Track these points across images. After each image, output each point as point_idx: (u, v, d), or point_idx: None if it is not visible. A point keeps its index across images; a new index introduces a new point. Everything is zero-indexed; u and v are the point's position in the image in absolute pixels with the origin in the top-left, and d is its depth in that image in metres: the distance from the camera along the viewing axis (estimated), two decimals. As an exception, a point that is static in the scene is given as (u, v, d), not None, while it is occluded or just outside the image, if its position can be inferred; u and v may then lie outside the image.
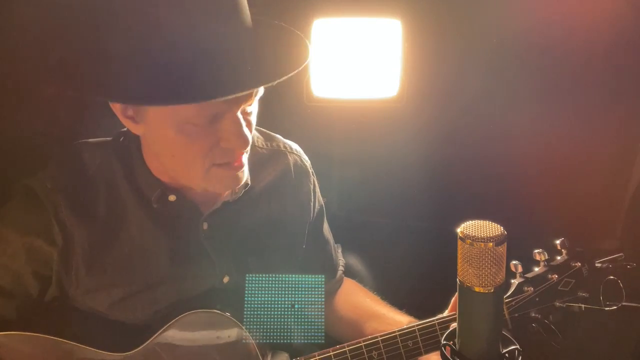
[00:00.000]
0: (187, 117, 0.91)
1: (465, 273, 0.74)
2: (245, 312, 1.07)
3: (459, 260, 0.75)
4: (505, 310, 1.05)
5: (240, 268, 1.12)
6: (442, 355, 0.81)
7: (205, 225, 1.10)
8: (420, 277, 1.53)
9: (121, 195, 1.06)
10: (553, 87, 1.47)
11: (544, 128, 1.48)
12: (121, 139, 1.10)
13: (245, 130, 0.95)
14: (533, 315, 1.05)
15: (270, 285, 1.10)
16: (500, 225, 0.74)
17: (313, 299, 1.10)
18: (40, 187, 1.02)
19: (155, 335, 1.03)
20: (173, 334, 1.04)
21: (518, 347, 0.80)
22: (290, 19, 1.23)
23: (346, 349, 1.05)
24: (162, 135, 0.95)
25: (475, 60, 1.50)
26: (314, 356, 1.05)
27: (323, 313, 1.08)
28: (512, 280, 1.08)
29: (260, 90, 0.98)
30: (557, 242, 1.08)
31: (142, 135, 1.02)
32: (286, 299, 1.09)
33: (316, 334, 1.09)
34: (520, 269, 1.07)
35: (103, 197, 1.05)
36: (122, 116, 0.96)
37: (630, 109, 1.43)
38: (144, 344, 1.03)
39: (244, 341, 1.06)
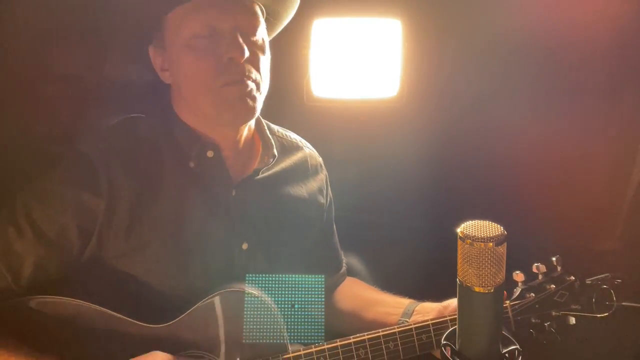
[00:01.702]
0: (193, 31, 1.07)
1: (465, 273, 0.74)
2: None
3: (459, 260, 0.75)
4: (510, 313, 1.12)
5: (259, 237, 1.19)
6: (442, 355, 0.81)
7: (234, 192, 1.18)
8: (420, 277, 1.52)
9: (163, 158, 1.14)
10: (553, 87, 1.47)
11: (544, 128, 1.48)
12: (159, 109, 1.21)
13: (242, 42, 1.07)
14: (533, 320, 1.12)
15: (275, 283, 1.13)
16: (500, 226, 0.74)
17: (314, 298, 1.13)
18: (91, 148, 1.10)
19: (187, 312, 1.06)
20: (204, 312, 1.07)
21: (518, 347, 0.80)
22: (290, 18, 1.23)
23: (365, 337, 1.09)
24: (177, 59, 1.10)
25: (475, 60, 1.50)
26: (335, 342, 1.08)
27: (323, 312, 1.10)
28: (516, 288, 1.15)
29: (262, 23, 1.12)
30: (553, 259, 1.16)
31: (171, 81, 1.16)
32: (288, 298, 1.12)
33: (316, 333, 1.11)
34: (521, 277, 1.14)
35: (148, 160, 1.13)
36: (160, 71, 1.16)
37: (630, 109, 1.43)
38: (176, 319, 1.06)
39: (272, 319, 1.09)
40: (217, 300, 1.07)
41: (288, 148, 1.32)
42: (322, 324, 1.12)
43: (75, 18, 1.12)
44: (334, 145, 1.61)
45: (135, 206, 1.09)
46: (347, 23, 1.42)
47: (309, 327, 1.12)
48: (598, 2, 1.35)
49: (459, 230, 0.74)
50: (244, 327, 1.08)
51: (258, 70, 1.11)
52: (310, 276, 1.14)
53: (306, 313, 1.12)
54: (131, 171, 1.10)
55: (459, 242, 0.74)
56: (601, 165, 1.48)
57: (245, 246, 1.17)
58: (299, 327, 1.11)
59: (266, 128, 1.27)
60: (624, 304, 1.12)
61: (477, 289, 0.74)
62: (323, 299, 1.13)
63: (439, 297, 1.19)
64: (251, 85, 1.10)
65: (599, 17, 1.34)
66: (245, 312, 1.08)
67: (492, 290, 0.74)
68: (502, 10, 1.42)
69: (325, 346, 1.08)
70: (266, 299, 1.09)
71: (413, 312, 1.20)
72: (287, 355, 1.07)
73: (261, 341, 1.08)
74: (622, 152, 1.46)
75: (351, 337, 1.09)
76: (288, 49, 1.39)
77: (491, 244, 0.72)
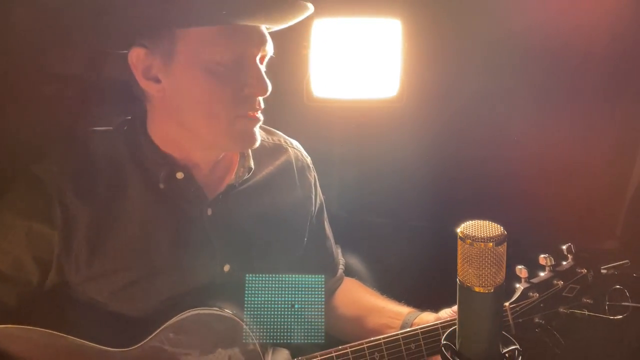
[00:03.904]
0: (216, 57, 0.98)
1: (465, 273, 0.74)
2: (245, 311, 1.07)
3: (459, 260, 0.75)
4: (509, 316, 1.05)
5: (242, 257, 1.13)
6: (442, 355, 0.81)
7: (209, 211, 1.11)
8: (420, 277, 1.52)
9: (126, 178, 1.07)
10: (553, 87, 1.47)
11: (544, 128, 1.48)
12: (125, 128, 1.13)
13: (265, 78, 1.03)
14: (537, 320, 1.05)
15: (271, 283, 1.10)
16: (500, 226, 0.74)
17: (313, 299, 1.10)
18: (45, 171, 1.03)
19: (155, 333, 1.03)
20: (174, 332, 1.03)
21: (518, 347, 0.80)
22: (290, 18, 1.23)
23: (348, 350, 1.05)
24: (189, 81, 1.00)
25: (475, 60, 1.50)
26: (316, 357, 1.05)
27: (323, 313, 1.08)
28: (517, 285, 1.07)
29: (270, 50, 1.05)
30: (564, 247, 1.07)
31: (160, 95, 1.03)
32: (286, 298, 1.09)
33: (316, 333, 1.09)
34: (525, 273, 1.06)
35: (108, 181, 1.06)
36: (144, 79, 1.02)
37: (630, 109, 1.43)
38: (144, 341, 1.02)
39: (245, 339, 1.06)
40: (184, 321, 1.03)
41: (271, 152, 1.24)
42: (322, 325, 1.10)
43: (75, 17, 1.12)
44: (334, 145, 1.61)
45: (96, 232, 1.03)
46: (347, 23, 1.42)
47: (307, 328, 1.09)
48: (598, 3, 1.35)
49: (459, 230, 0.74)
50: (213, 347, 1.04)
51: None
52: (309, 276, 1.11)
53: (301, 314, 1.10)
54: (89, 195, 1.03)
55: (459, 242, 0.74)
56: (601, 165, 1.48)
57: (227, 268, 1.11)
58: (300, 326, 1.09)
59: None
60: (623, 303, 1.07)
61: (477, 289, 0.74)
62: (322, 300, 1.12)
63: (438, 297, 1.19)
64: (260, 116, 1.07)
65: (599, 17, 1.34)
66: (214, 333, 1.04)
67: (492, 290, 0.74)
68: (503, 11, 1.42)
69: None
70: (236, 317, 1.05)
71: (411, 325, 1.15)
72: None
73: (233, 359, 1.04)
74: (622, 152, 1.46)
75: (333, 350, 1.05)
76: (288, 49, 1.39)
77: (491, 244, 0.71)
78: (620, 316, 1.03)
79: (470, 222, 0.74)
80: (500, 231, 0.73)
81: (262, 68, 1.05)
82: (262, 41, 1.03)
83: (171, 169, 1.08)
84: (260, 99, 1.05)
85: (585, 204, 1.47)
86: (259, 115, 1.06)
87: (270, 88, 1.03)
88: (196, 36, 0.98)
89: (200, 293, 1.08)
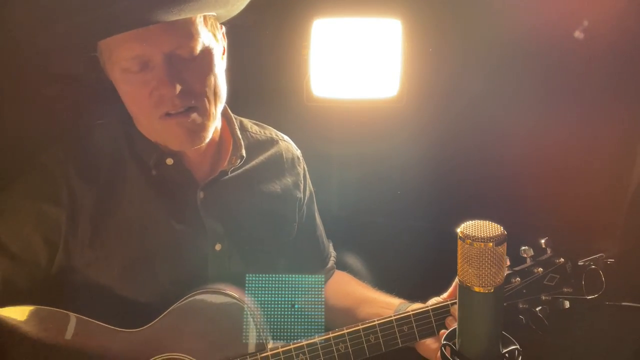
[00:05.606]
0: (121, 64, 1.01)
1: (465, 273, 0.74)
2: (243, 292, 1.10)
3: (459, 260, 0.75)
4: None
5: (232, 237, 1.17)
6: (442, 355, 0.81)
7: (201, 195, 1.16)
8: (420, 277, 1.52)
9: (125, 164, 1.14)
10: (553, 88, 1.47)
11: (544, 128, 1.48)
12: (120, 119, 1.18)
13: (170, 75, 0.99)
14: (521, 306, 1.10)
15: (268, 282, 1.13)
16: (500, 226, 0.74)
17: (310, 297, 1.14)
18: (51, 157, 1.10)
19: (163, 314, 1.06)
20: (180, 314, 1.07)
21: (518, 347, 0.80)
22: (290, 19, 1.23)
23: (345, 332, 1.09)
24: (116, 87, 1.07)
25: (475, 60, 1.50)
26: (314, 338, 1.08)
27: (323, 311, 1.11)
28: None
29: (203, 36, 1.02)
30: (542, 240, 1.13)
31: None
32: (286, 298, 1.12)
33: (315, 328, 1.11)
34: (507, 262, 1.12)
35: (108, 167, 1.13)
36: (110, 79, 1.09)
37: (630, 110, 1.43)
38: (152, 322, 1.06)
39: (248, 324, 1.09)
40: (190, 302, 1.07)
41: (262, 144, 1.30)
42: (322, 323, 1.12)
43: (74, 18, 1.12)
44: (334, 145, 1.61)
45: (98, 214, 1.08)
46: (347, 23, 1.42)
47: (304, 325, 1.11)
48: (598, 2, 1.35)
49: (459, 230, 0.74)
50: (219, 327, 1.07)
51: (203, 91, 1.05)
52: (306, 276, 1.14)
53: (300, 312, 1.12)
54: (91, 180, 1.09)
55: (459, 242, 0.74)
56: (601, 165, 1.48)
57: (218, 247, 1.16)
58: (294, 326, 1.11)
59: (237, 127, 1.24)
60: (623, 304, 1.10)
61: (477, 289, 0.74)
62: (322, 299, 1.13)
63: (437, 296, 1.19)
64: (195, 115, 1.05)
65: (599, 17, 1.34)
66: (219, 313, 1.07)
67: (492, 290, 0.74)
68: (502, 10, 1.42)
69: (304, 342, 1.08)
70: (241, 297, 1.09)
71: None
72: (265, 354, 1.07)
73: (237, 341, 1.08)
74: (622, 152, 1.46)
75: (330, 332, 1.09)
76: (288, 49, 1.39)
77: (491, 244, 0.72)
78: (596, 295, 1.09)
79: (470, 222, 0.75)
80: (500, 231, 0.73)
81: (173, 68, 1.00)
82: (164, 39, 0.99)
83: (160, 155, 1.14)
84: (196, 97, 1.04)
85: (585, 205, 1.47)
86: (192, 115, 1.04)
87: (178, 87, 1.00)
88: (104, 48, 1.04)
89: (198, 273, 1.13)
